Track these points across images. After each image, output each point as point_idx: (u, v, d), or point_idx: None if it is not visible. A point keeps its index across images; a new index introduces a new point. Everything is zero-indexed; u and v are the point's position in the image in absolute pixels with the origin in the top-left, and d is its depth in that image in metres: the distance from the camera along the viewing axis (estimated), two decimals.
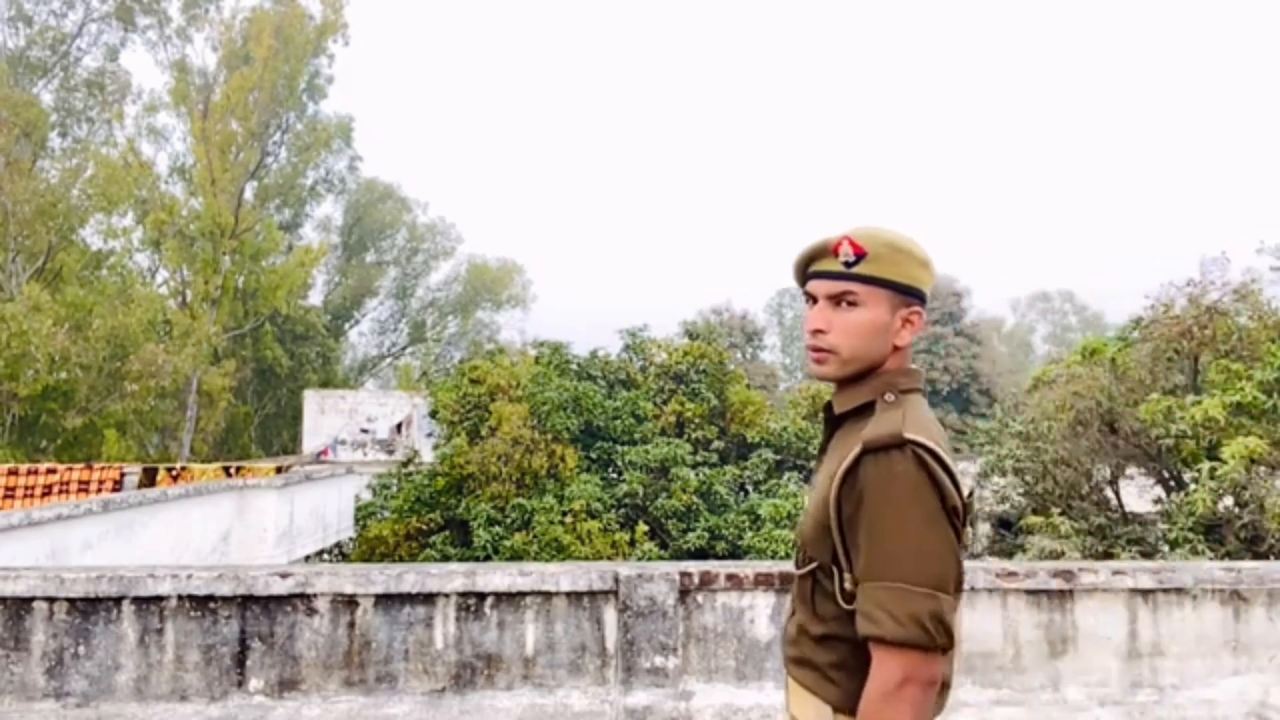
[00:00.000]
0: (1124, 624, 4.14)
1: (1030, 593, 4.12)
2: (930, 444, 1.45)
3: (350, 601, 3.92)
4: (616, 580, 3.96)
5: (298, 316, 34.74)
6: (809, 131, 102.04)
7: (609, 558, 12.39)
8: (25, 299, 21.57)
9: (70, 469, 14.02)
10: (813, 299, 1.63)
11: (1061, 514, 10.17)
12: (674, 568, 4.07)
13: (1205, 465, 9.23)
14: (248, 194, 32.02)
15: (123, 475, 14.65)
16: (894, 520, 1.42)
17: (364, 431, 29.40)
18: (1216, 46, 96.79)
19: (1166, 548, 9.21)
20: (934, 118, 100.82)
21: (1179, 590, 4.16)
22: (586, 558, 12.08)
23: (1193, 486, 9.60)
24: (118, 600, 3.84)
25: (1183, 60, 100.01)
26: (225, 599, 3.86)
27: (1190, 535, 9.07)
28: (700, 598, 4.02)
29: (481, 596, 3.96)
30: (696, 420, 15.34)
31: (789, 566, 3.76)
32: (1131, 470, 11.38)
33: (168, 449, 29.58)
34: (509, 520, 13.24)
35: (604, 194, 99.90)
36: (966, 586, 4.05)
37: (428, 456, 16.85)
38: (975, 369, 34.98)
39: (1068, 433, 10.92)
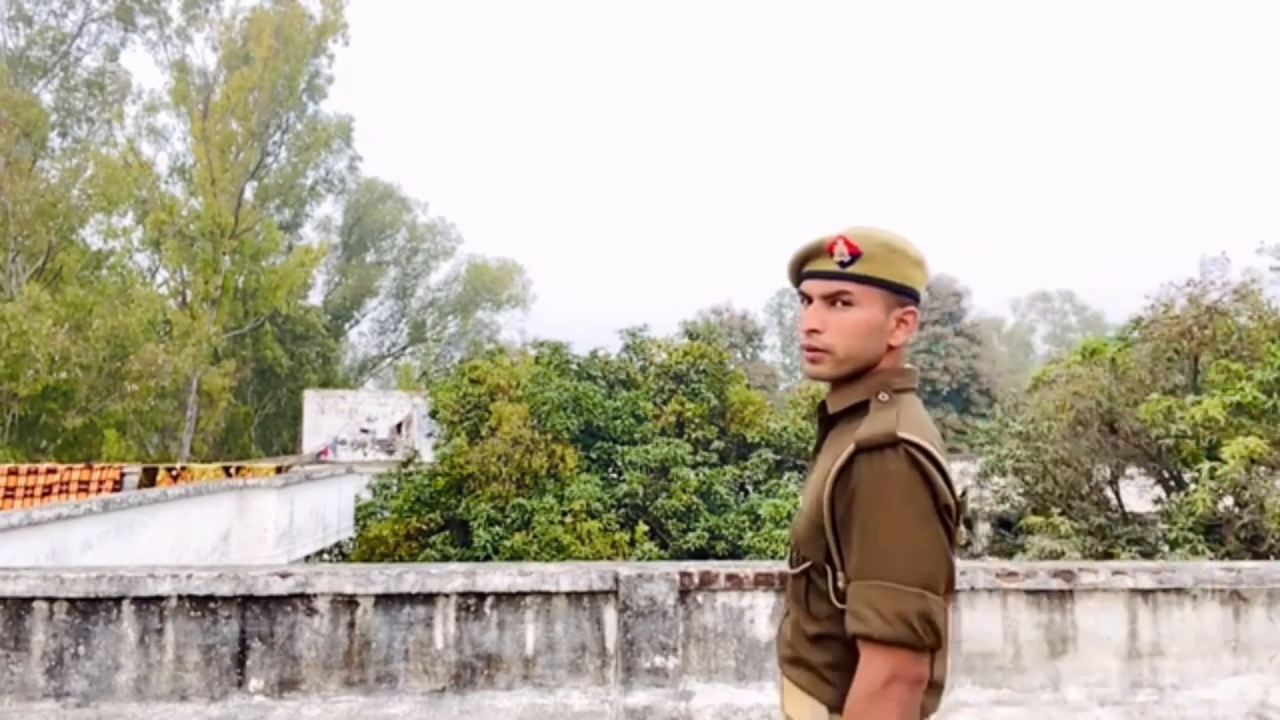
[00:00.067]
0: (1124, 624, 4.14)
1: (1030, 593, 4.12)
2: (923, 443, 1.46)
3: (350, 601, 3.92)
4: (616, 580, 3.96)
5: (298, 316, 34.74)
6: (809, 131, 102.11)
7: (609, 558, 12.39)
8: (25, 299, 21.57)
9: (70, 469, 14.03)
10: (807, 299, 1.63)
11: (1061, 514, 10.17)
12: (674, 568, 4.07)
13: (1205, 465, 9.22)
14: (248, 194, 32.03)
15: (123, 475, 14.66)
16: (886, 519, 1.42)
17: (364, 431, 29.40)
18: (1216, 46, 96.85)
19: (1166, 548, 9.21)
20: (934, 117, 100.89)
21: (1179, 590, 4.16)
22: (586, 558, 12.08)
23: (1193, 486, 9.60)
24: (118, 600, 3.84)
25: (1183, 60, 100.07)
26: (225, 599, 3.86)
27: (1190, 535, 9.07)
28: (700, 598, 4.02)
29: (481, 596, 3.96)
30: (696, 420, 15.34)
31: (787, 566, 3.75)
32: (1131, 470, 11.37)
33: (168, 449, 29.58)
34: (509, 520, 13.24)
35: (604, 194, 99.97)
36: (966, 586, 4.06)
37: (428, 456, 16.85)
38: (975, 369, 34.97)
39: (1068, 433, 10.92)
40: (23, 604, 3.82)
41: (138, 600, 3.84)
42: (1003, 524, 12.82)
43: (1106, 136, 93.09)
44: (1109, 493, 11.40)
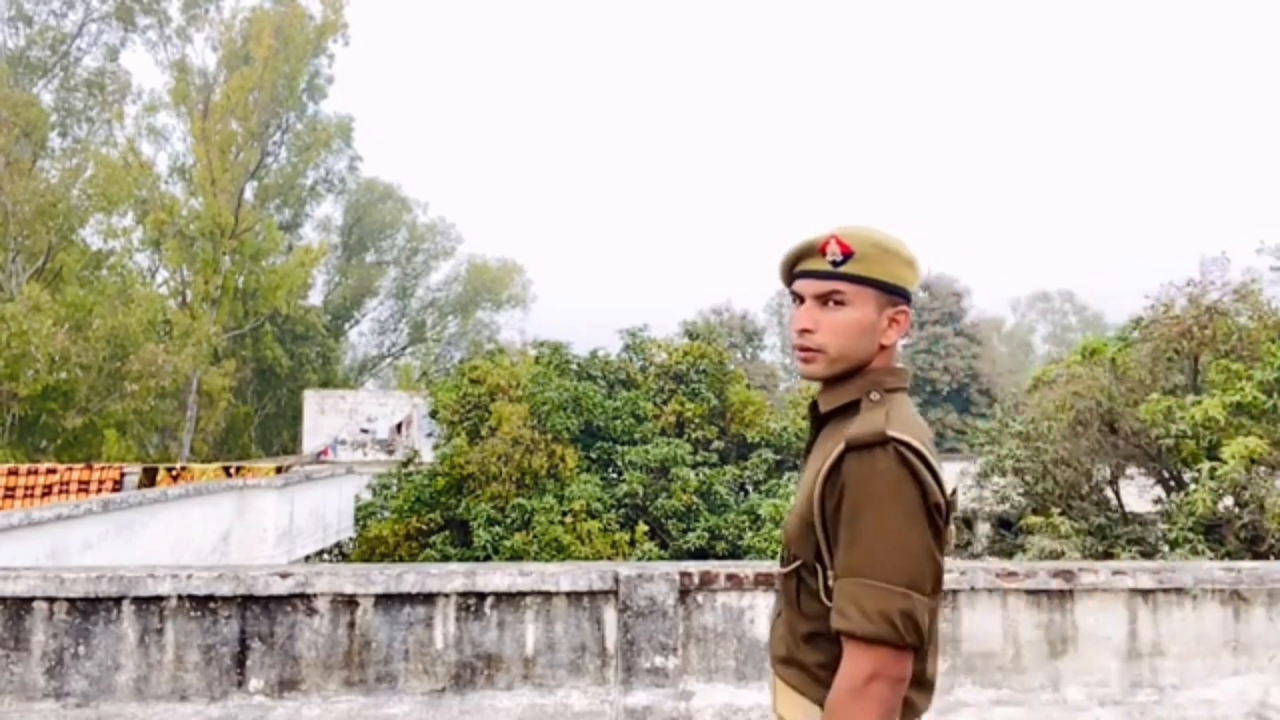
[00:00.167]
0: (1124, 624, 4.14)
1: (1030, 593, 4.12)
2: (913, 442, 1.46)
3: (350, 601, 3.92)
4: (616, 580, 3.96)
5: (298, 316, 34.74)
6: (809, 131, 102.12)
7: (609, 558, 12.39)
8: (25, 299, 21.58)
9: (70, 469, 14.03)
10: (800, 298, 1.64)
11: (1061, 514, 10.16)
12: (674, 568, 4.07)
13: (1205, 465, 9.22)
14: (248, 194, 32.03)
15: (123, 475, 14.66)
16: (873, 517, 1.43)
17: (364, 431, 29.40)
18: (1216, 46, 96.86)
19: (1166, 548, 9.21)
20: (934, 117, 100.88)
21: (1179, 590, 4.16)
22: (586, 558, 12.09)
23: (1193, 486, 9.60)
24: (118, 600, 3.84)
25: (1183, 60, 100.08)
26: (225, 599, 3.87)
27: (1190, 535, 9.06)
28: (700, 598, 4.03)
29: (481, 596, 3.96)
30: (696, 420, 15.35)
31: None
32: (1131, 470, 11.37)
33: (168, 449, 29.58)
34: (509, 520, 13.24)
35: (603, 194, 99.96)
36: (966, 586, 4.06)
37: (428, 456, 16.85)
38: (975, 369, 34.95)
39: (1068, 433, 10.91)
40: (23, 604, 3.82)
41: (138, 600, 3.84)
42: (1003, 524, 12.82)
43: (1106, 136, 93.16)
44: (1109, 493, 11.40)
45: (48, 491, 12.94)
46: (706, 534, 13.38)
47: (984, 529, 13.62)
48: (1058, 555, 9.11)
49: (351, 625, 3.91)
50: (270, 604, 3.89)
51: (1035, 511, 10.91)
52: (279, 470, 15.94)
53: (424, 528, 14.09)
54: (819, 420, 1.68)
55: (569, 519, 13.02)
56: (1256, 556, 8.87)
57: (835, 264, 1.58)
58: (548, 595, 3.97)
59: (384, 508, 15.46)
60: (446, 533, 13.94)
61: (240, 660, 3.85)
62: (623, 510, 13.71)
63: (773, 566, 4.13)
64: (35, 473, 13.27)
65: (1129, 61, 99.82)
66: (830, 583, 1.50)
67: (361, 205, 41.61)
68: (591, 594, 3.99)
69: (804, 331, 1.61)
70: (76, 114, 30.70)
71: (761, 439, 15.38)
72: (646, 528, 13.29)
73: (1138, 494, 11.55)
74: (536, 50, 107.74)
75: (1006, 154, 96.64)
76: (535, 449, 13.80)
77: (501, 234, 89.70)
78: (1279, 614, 4.20)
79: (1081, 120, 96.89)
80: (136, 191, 28.16)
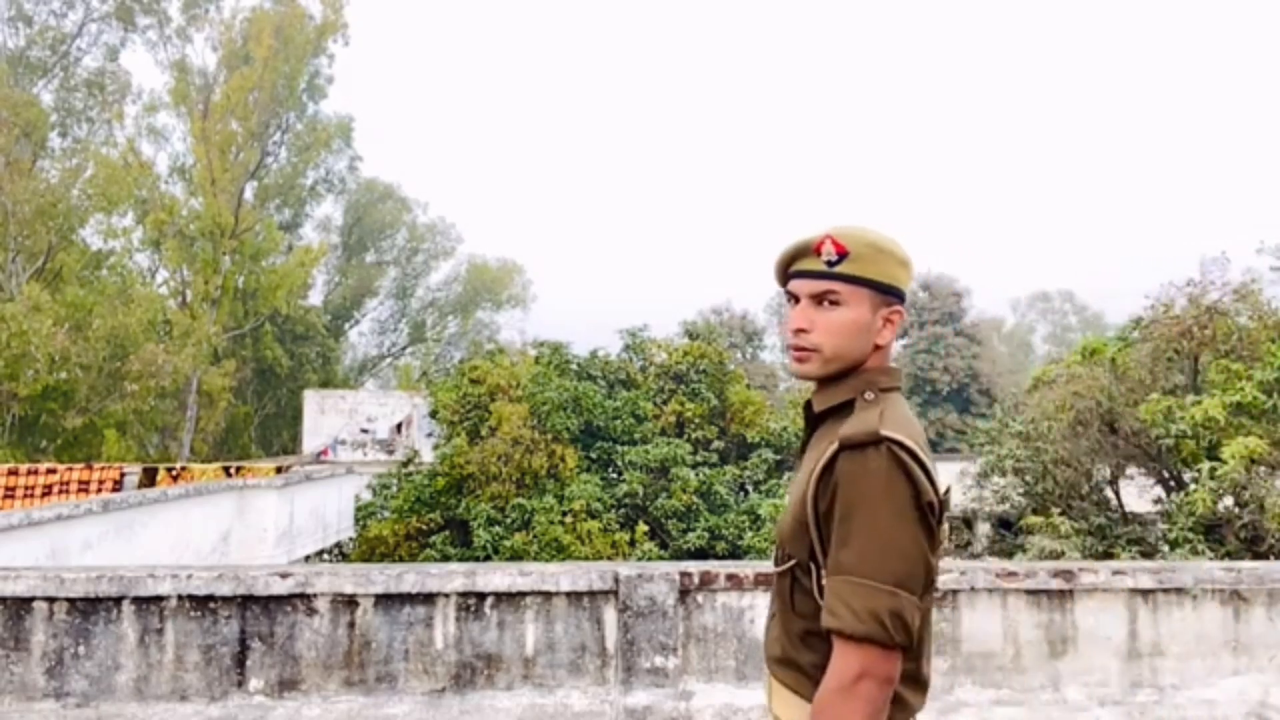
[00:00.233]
0: (1124, 624, 4.14)
1: (1030, 593, 4.12)
2: (906, 441, 1.46)
3: (350, 601, 3.92)
4: (616, 580, 3.96)
5: (298, 316, 34.74)
6: (809, 131, 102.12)
7: (609, 558, 12.39)
8: (25, 299, 21.57)
9: (70, 469, 14.02)
10: (794, 298, 1.64)
11: (1061, 514, 10.16)
12: (674, 568, 4.07)
13: (1205, 465, 9.22)
14: (248, 194, 32.03)
15: (123, 475, 14.65)
16: (865, 516, 1.43)
17: (364, 431, 29.40)
18: (1216, 46, 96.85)
19: (1166, 548, 9.21)
20: (934, 117, 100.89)
21: (1179, 590, 4.16)
22: (586, 558, 12.09)
23: (1193, 486, 9.60)
24: (118, 600, 3.84)
25: (1183, 60, 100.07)
26: (225, 599, 3.87)
27: (1190, 535, 9.06)
28: (700, 598, 4.03)
29: (481, 596, 3.96)
30: (696, 420, 15.35)
31: None
32: (1131, 470, 11.37)
33: (168, 449, 29.58)
34: (509, 520, 13.24)
35: (604, 194, 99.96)
36: (966, 586, 4.06)
37: (428, 456, 16.85)
38: (975, 369, 34.93)
39: (1068, 433, 10.91)
40: (23, 604, 3.82)
41: (138, 600, 3.84)
42: (1003, 524, 12.82)
43: (1106, 136, 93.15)
44: (1109, 493, 11.40)
45: (48, 491, 12.94)
46: (706, 534, 13.38)
47: (984, 529, 13.62)
48: (1058, 555, 9.11)
49: (351, 625, 3.91)
50: (270, 604, 3.89)
51: (1035, 511, 10.90)
52: (279, 470, 15.94)
53: (424, 528, 14.09)
54: (813, 420, 1.69)
55: (569, 519, 13.02)
56: (1256, 556, 8.87)
57: (830, 264, 1.58)
58: (548, 595, 3.97)
59: (384, 508, 15.46)
60: (446, 533, 13.94)
61: (240, 660, 3.85)
62: (623, 510, 13.71)
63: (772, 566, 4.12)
64: (35, 473, 13.27)
65: (1129, 61, 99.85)
66: (824, 581, 1.51)
67: (361, 205, 41.61)
68: (591, 594, 3.99)
69: (799, 331, 1.61)
70: (76, 114, 30.70)
71: (761, 439, 15.38)
72: (646, 528, 13.29)
73: (1138, 494, 11.54)
74: (536, 50, 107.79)
75: (1006, 154, 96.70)
76: (535, 449, 13.80)
77: (501, 234, 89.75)
78: (1279, 614, 4.20)
79: (1081, 120, 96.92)
80: (136, 191, 28.16)
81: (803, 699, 1.55)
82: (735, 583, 4.02)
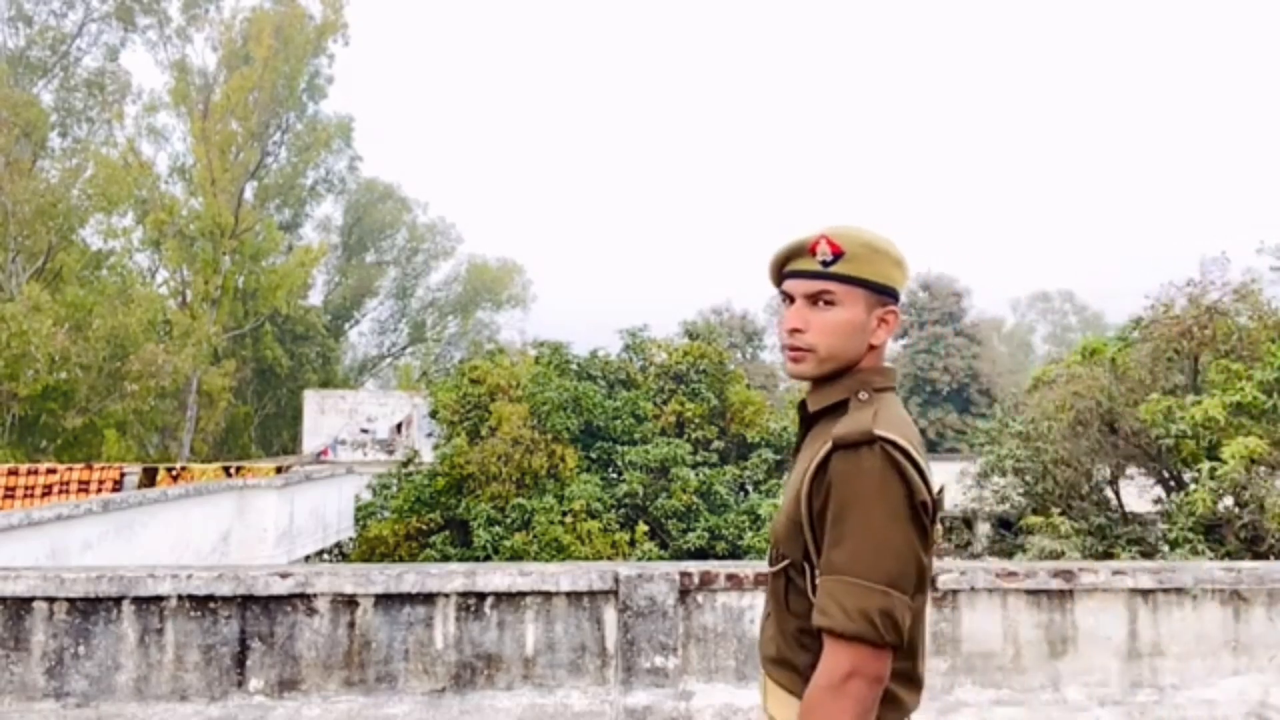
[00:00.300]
0: (1124, 624, 4.14)
1: (1030, 593, 4.12)
2: (900, 441, 1.46)
3: (350, 601, 3.92)
4: (616, 580, 3.96)
5: (298, 316, 34.74)
6: (809, 131, 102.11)
7: (609, 558, 12.39)
8: (25, 299, 21.58)
9: (70, 469, 14.02)
10: (789, 298, 1.64)
11: (1061, 514, 10.17)
12: (674, 568, 4.07)
13: (1205, 465, 9.23)
14: (248, 194, 32.03)
15: (123, 475, 14.65)
16: (858, 516, 1.43)
17: (364, 431, 29.40)
18: (1216, 46, 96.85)
19: (1166, 548, 9.22)
20: (934, 117, 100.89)
21: (1179, 590, 4.16)
22: (586, 558, 12.09)
23: (1193, 486, 9.60)
24: (118, 600, 3.84)
25: (1183, 60, 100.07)
26: (225, 599, 3.87)
27: (1190, 535, 9.07)
28: (700, 598, 4.03)
29: (481, 596, 3.96)
30: (696, 420, 15.35)
31: None
32: (1131, 470, 11.37)
33: (168, 449, 29.58)
34: (509, 520, 13.24)
35: (604, 194, 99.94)
36: (966, 586, 4.06)
37: (428, 456, 16.85)
38: (975, 369, 34.91)
39: (1068, 433, 10.92)
40: (23, 604, 3.82)
41: (138, 600, 3.84)
42: (1003, 524, 12.82)
43: (1106, 136, 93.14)
44: (1109, 493, 11.41)
45: (48, 491, 12.94)
46: (706, 534, 13.38)
47: (984, 529, 13.63)
48: (1058, 555, 9.11)
49: (351, 625, 3.91)
50: (270, 604, 3.89)
51: (1035, 511, 10.91)
52: (279, 470, 15.94)
53: (424, 528, 14.09)
54: (808, 420, 1.69)
55: (569, 519, 13.02)
56: (1256, 556, 8.87)
57: (825, 264, 1.58)
58: (548, 595, 3.97)
59: (384, 508, 15.46)
60: (446, 533, 13.94)
61: (240, 660, 3.85)
62: (623, 510, 13.71)
63: None
64: (35, 473, 13.27)
65: (1129, 61, 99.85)
66: (817, 581, 1.51)
67: (361, 205, 41.61)
68: (591, 594, 3.99)
69: (794, 331, 1.61)
70: (76, 114, 30.70)
71: (761, 439, 15.38)
72: (646, 528, 13.30)
73: (1138, 494, 11.55)
74: (536, 50, 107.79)
75: (1006, 154, 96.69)
76: (535, 449, 13.80)
77: (501, 234, 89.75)
78: (1279, 614, 4.20)
79: (1081, 120, 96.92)
80: (136, 191, 28.16)
81: (797, 699, 1.55)
82: (735, 583, 4.02)
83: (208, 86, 30.93)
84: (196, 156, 30.34)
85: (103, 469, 14.62)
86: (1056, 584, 4.11)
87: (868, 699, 1.42)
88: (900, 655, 1.47)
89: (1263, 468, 9.08)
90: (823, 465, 1.49)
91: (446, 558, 12.98)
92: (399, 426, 29.50)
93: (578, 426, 14.45)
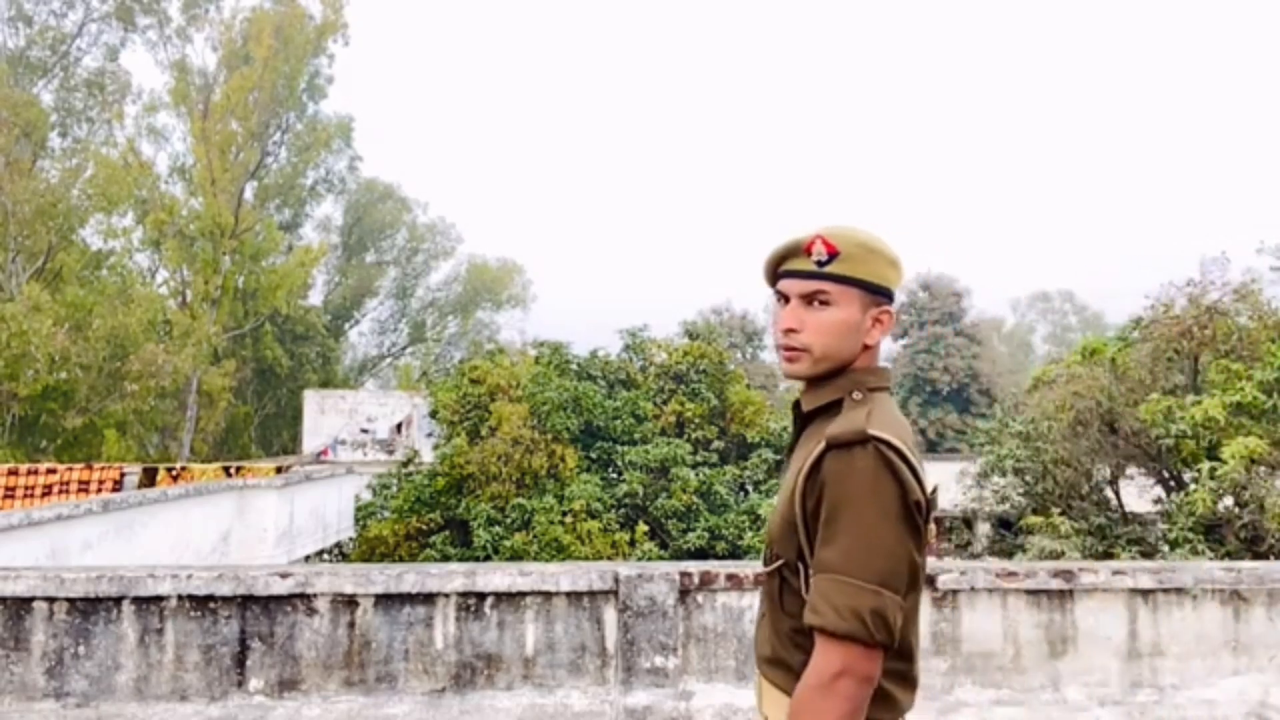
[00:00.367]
0: (1124, 624, 4.14)
1: (1030, 593, 4.12)
2: (893, 440, 1.47)
3: (350, 601, 3.92)
4: (616, 580, 3.96)
5: (298, 316, 34.74)
6: (809, 131, 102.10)
7: (609, 558, 12.40)
8: (25, 299, 21.58)
9: (70, 469, 14.02)
10: (784, 298, 1.64)
11: (1061, 514, 10.17)
12: (674, 568, 4.07)
13: (1205, 465, 9.23)
14: (248, 194, 32.02)
15: (123, 475, 14.65)
16: (851, 515, 1.44)
17: (364, 431, 29.40)
18: (1216, 47, 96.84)
19: (1166, 548, 9.22)
20: (934, 117, 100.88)
21: (1179, 590, 4.16)
22: (586, 558, 12.09)
23: (1193, 486, 9.60)
24: (118, 600, 3.84)
25: (1183, 60, 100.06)
26: (225, 599, 3.87)
27: (1190, 535, 9.07)
28: (700, 598, 4.03)
29: (481, 596, 3.96)
30: (696, 420, 15.35)
31: None
32: (1131, 470, 11.37)
33: (168, 449, 29.58)
34: (509, 520, 13.24)
35: (604, 194, 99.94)
36: (966, 586, 4.06)
37: (428, 456, 16.85)
38: (975, 369, 34.91)
39: (1068, 433, 10.92)
40: (23, 604, 3.82)
41: (138, 600, 3.84)
42: (1003, 524, 12.82)
43: (1107, 136, 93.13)
44: (1109, 493, 11.41)
45: (48, 491, 12.94)
46: (706, 534, 13.38)
47: (984, 529, 13.62)
48: (1058, 555, 9.11)
49: (351, 625, 3.91)
50: (270, 604, 3.89)
51: (1035, 511, 10.91)
52: (279, 470, 15.94)
53: (424, 528, 14.09)
54: (802, 419, 1.69)
55: (569, 519, 13.03)
56: (1256, 556, 8.87)
57: (820, 264, 1.58)
58: (548, 595, 3.97)
59: (384, 508, 15.46)
60: (446, 533, 13.94)
61: (240, 660, 3.85)
62: (623, 510, 13.72)
63: None
64: (35, 473, 13.27)
65: (1129, 61, 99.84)
66: (812, 580, 1.51)
67: (361, 205, 41.61)
68: (591, 594, 3.99)
69: (789, 331, 1.61)
70: (76, 114, 30.70)
71: (761, 439, 15.38)
72: (646, 528, 13.30)
73: (1138, 494, 11.55)
74: (536, 50, 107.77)
75: (1006, 154, 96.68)
76: (535, 449, 13.80)
77: (501, 234, 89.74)
78: (1279, 614, 4.20)
79: (1081, 120, 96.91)
80: (136, 191, 28.16)
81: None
82: (735, 583, 4.02)
83: (208, 86, 30.93)
84: (196, 156, 30.34)
85: (103, 469, 14.62)
86: (1056, 584, 4.11)
87: (857, 698, 1.41)
88: (894, 655, 1.47)
89: (1263, 468, 9.08)
90: (816, 465, 1.49)
91: (446, 558, 12.98)
92: (399, 426, 29.50)
93: (578, 426, 14.45)
